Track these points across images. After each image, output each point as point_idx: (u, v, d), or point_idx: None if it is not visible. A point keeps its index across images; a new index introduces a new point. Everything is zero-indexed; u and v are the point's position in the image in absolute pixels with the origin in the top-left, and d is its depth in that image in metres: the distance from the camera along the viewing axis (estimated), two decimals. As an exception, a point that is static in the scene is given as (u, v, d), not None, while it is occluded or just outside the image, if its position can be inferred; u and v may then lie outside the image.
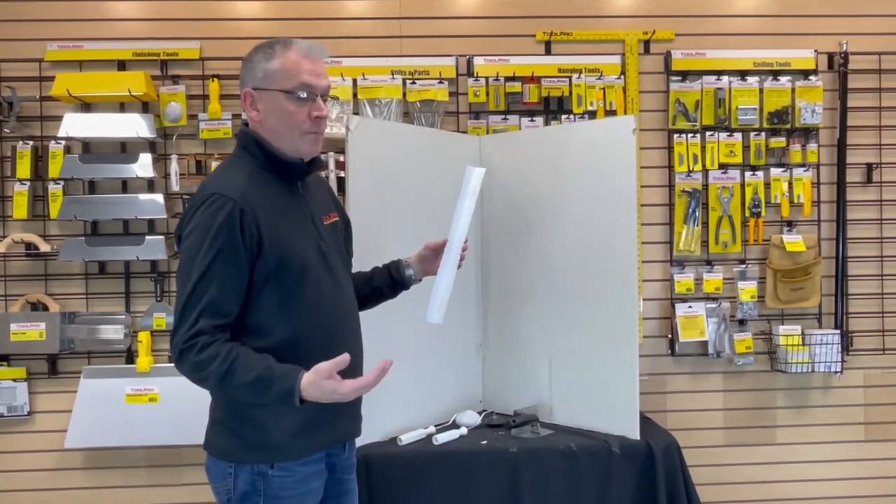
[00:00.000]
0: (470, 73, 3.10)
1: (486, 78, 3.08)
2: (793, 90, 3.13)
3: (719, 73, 3.13)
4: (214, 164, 2.99)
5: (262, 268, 1.63)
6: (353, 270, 1.98)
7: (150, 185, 3.03)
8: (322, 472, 1.77)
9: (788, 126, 3.13)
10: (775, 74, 3.15)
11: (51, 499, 3.04)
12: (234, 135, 3.02)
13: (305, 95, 1.68)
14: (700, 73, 3.13)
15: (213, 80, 3.00)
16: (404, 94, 3.05)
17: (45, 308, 2.99)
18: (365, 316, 1.94)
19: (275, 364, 1.58)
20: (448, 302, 1.94)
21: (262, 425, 1.66)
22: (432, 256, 2.02)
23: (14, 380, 2.98)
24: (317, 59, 1.72)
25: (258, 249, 1.62)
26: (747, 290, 3.11)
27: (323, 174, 2.97)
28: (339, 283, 1.79)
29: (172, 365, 3.05)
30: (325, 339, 1.70)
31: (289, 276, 1.66)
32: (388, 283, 2.02)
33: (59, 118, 2.94)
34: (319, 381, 1.55)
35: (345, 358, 1.56)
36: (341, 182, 2.85)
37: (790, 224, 3.17)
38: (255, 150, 1.72)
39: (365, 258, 2.08)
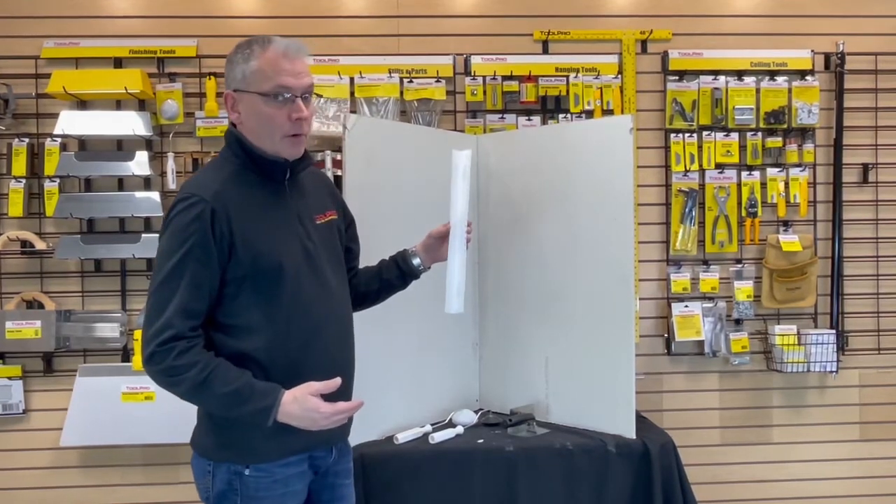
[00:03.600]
0: (467, 72, 3.10)
1: (484, 77, 3.08)
2: (789, 90, 3.14)
3: (716, 72, 3.13)
4: (211, 162, 2.99)
5: (237, 268, 1.62)
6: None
7: (147, 183, 3.02)
8: (304, 474, 1.74)
9: (785, 126, 3.13)
10: (772, 74, 3.15)
11: (46, 497, 3.03)
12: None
13: (283, 98, 1.64)
14: (697, 73, 3.14)
15: (209, 78, 3.00)
16: (402, 93, 3.04)
17: (41, 306, 2.99)
18: (361, 316, 1.93)
19: (255, 380, 1.59)
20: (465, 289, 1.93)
21: (238, 425, 1.63)
22: (437, 244, 2.03)
23: (9, 378, 2.97)
24: (295, 58, 1.65)
25: (230, 250, 1.61)
26: (743, 289, 3.11)
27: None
28: (326, 284, 1.75)
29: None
30: (304, 340, 1.68)
31: (265, 276, 1.64)
32: (397, 274, 2.01)
33: (55, 115, 2.93)
34: (304, 396, 1.58)
35: (336, 382, 1.62)
36: (338, 181, 2.84)
37: (786, 224, 3.17)
38: (238, 149, 1.70)
39: (362, 257, 2.06)
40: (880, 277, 3.22)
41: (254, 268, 1.62)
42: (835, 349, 3.09)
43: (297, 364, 1.66)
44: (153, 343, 1.55)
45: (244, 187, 1.66)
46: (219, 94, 2.99)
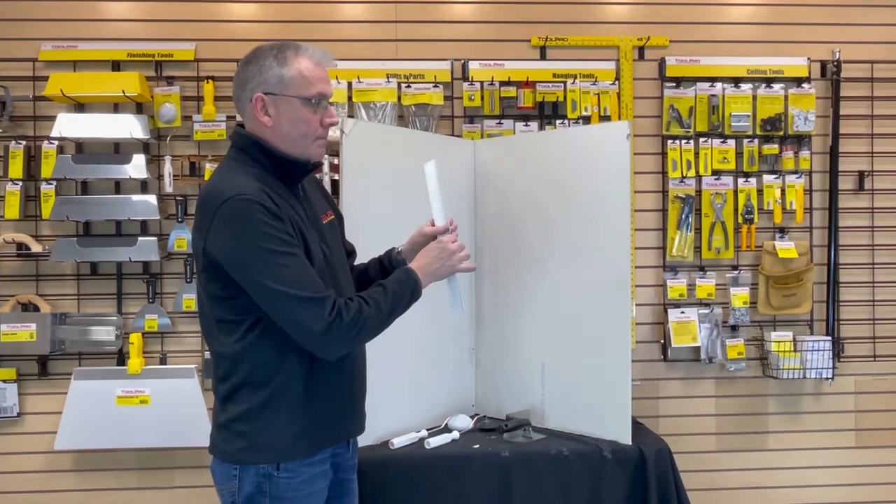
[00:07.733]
0: (465, 78, 3.11)
1: (482, 82, 3.09)
2: (786, 97, 3.15)
3: (713, 79, 3.14)
4: (208, 166, 2.99)
5: None
6: None
7: (144, 187, 3.02)
8: (327, 473, 1.77)
9: (781, 133, 3.14)
10: (768, 82, 3.16)
11: (40, 501, 3.02)
12: (229, 136, 3.01)
13: (321, 103, 1.71)
14: (694, 80, 3.15)
15: (207, 82, 3.00)
16: (399, 98, 3.05)
17: (37, 309, 2.97)
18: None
19: (386, 280, 1.75)
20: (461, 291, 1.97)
21: (268, 426, 1.66)
22: (424, 243, 2.01)
23: (4, 381, 2.96)
24: (327, 66, 1.75)
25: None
26: (740, 295, 3.12)
27: (318, 176, 2.98)
28: (340, 283, 1.78)
29: (164, 367, 3.08)
30: None
31: None
32: (381, 275, 2.00)
33: (53, 118, 2.93)
34: (428, 247, 1.85)
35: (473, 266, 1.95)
36: (335, 185, 2.85)
37: (782, 231, 3.18)
38: (257, 153, 1.69)
39: (359, 261, 2.07)
40: (876, 284, 3.22)
41: None
42: (831, 356, 3.09)
43: (337, 363, 1.71)
44: (323, 321, 1.58)
45: (274, 190, 1.65)
46: (216, 99, 2.99)
